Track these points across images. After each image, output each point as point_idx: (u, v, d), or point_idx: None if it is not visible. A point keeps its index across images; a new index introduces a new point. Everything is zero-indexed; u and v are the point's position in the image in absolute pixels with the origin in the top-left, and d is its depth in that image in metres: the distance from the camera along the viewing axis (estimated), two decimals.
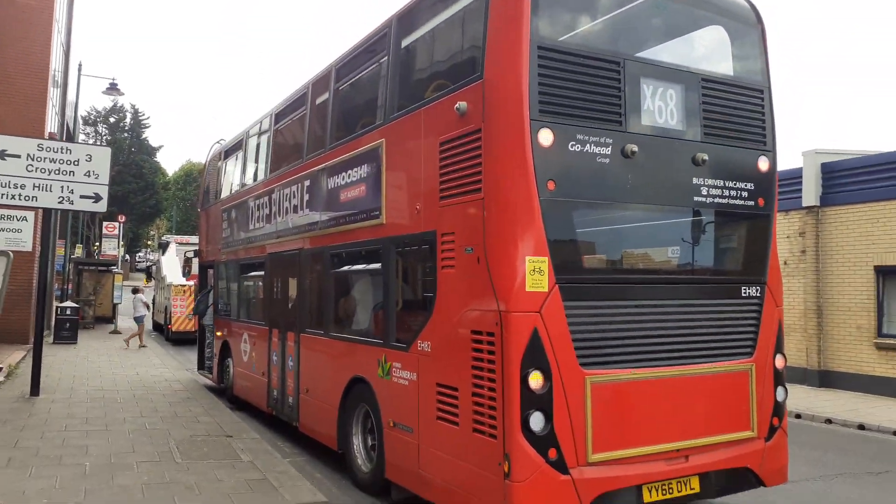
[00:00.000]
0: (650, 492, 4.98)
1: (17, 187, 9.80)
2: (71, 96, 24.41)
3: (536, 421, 4.55)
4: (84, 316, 22.70)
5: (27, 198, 9.92)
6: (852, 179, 14.20)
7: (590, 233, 5.32)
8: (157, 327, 24.16)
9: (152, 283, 29.53)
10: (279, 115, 9.33)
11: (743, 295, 5.66)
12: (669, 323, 5.25)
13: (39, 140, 10.97)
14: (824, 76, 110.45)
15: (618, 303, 5.06)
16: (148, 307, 20.06)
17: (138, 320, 19.17)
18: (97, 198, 10.35)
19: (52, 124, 19.67)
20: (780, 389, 5.77)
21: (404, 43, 6.34)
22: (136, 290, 20.61)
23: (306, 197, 7.96)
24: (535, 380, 4.56)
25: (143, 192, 60.39)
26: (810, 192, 14.62)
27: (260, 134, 10.16)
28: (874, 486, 7.50)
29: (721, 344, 5.49)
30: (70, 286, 25.53)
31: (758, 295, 5.71)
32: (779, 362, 5.79)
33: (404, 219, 5.94)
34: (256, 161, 10.40)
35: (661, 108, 5.31)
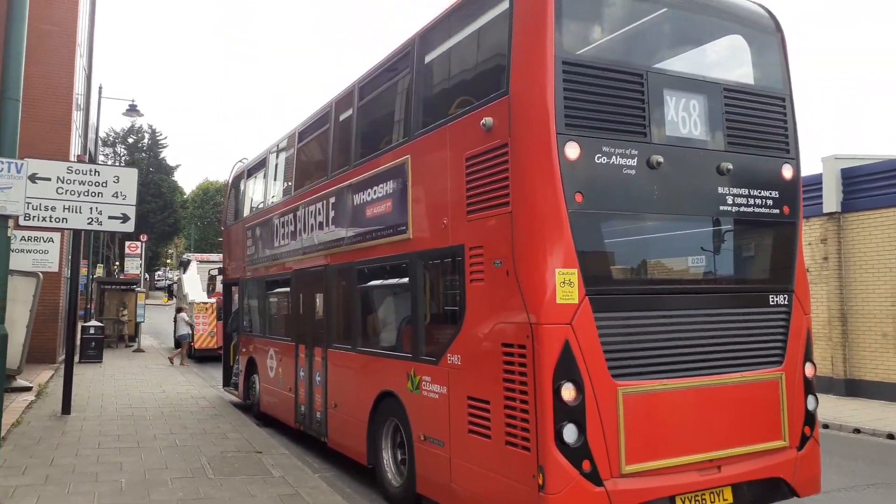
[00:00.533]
0: (683, 503, 4.97)
1: (48, 209, 10.00)
2: (92, 118, 24.88)
3: (570, 433, 4.58)
4: (121, 334, 23.08)
5: (58, 219, 10.11)
6: (873, 185, 14.10)
7: (618, 244, 5.36)
8: (179, 345, 24.35)
9: (173, 301, 29.83)
10: (302, 134, 9.48)
11: (771, 303, 5.66)
12: (698, 332, 5.26)
13: (69, 163, 11.21)
14: (830, 77, 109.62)
15: (647, 313, 5.09)
16: (192, 326, 20.25)
17: (182, 338, 19.51)
18: (125, 218, 10.53)
19: (75, 147, 20.06)
20: (810, 398, 5.74)
21: (427, 60, 6.45)
22: (179, 310, 20.89)
23: (332, 213, 8.07)
24: (568, 392, 4.59)
25: (162, 211, 61.23)
26: (831, 199, 14.53)
27: (283, 151, 10.32)
28: None
29: (750, 353, 5.48)
30: (93, 306, 25.86)
31: (785, 303, 5.71)
32: (808, 371, 5.76)
33: (431, 233, 6.02)
34: (280, 179, 10.55)
35: (684, 118, 5.35)
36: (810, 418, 5.70)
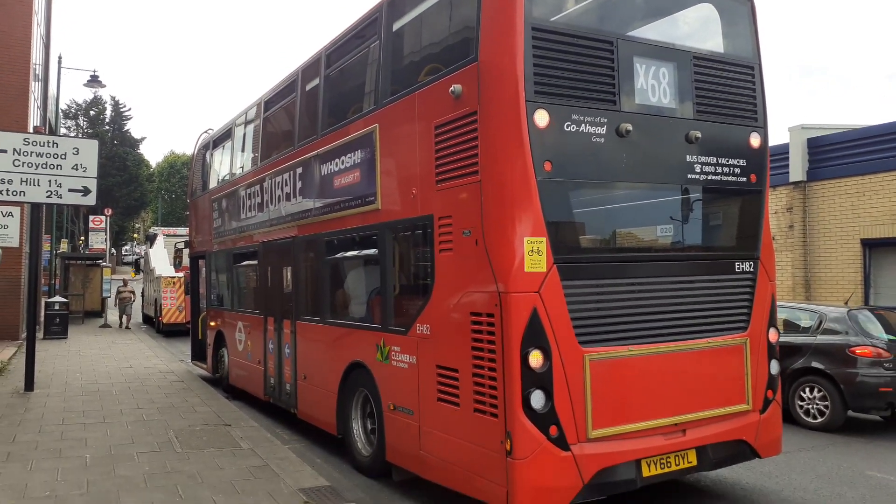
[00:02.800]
0: (649, 466, 5.07)
1: (4, 182, 9.69)
2: (52, 90, 24.09)
3: (537, 399, 4.62)
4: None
5: (15, 192, 9.81)
6: (838, 154, 14.38)
7: (586, 212, 5.36)
8: (148, 320, 24.06)
9: (140, 275, 29.38)
10: (269, 103, 9.28)
11: (736, 270, 5.74)
12: (665, 299, 5.32)
13: (25, 134, 10.85)
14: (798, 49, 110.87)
15: (615, 281, 5.12)
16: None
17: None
18: (86, 191, 10.26)
19: (34, 118, 19.43)
20: (773, 363, 5.86)
21: (396, 27, 6.32)
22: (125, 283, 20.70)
23: (299, 185, 7.95)
24: (536, 358, 4.62)
25: (128, 184, 59.88)
26: (797, 168, 14.78)
27: (249, 122, 10.10)
28: (863, 452, 7.67)
29: (716, 319, 5.57)
30: (57, 281, 25.33)
31: (751, 270, 5.79)
32: (772, 336, 5.88)
33: (400, 203, 5.96)
34: (246, 150, 10.34)
35: (653, 86, 5.34)
36: (773, 382, 5.83)
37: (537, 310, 4.66)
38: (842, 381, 8.64)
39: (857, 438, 8.36)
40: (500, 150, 4.79)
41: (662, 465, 5.14)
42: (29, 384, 10.26)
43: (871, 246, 13.73)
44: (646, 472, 5.03)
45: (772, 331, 5.87)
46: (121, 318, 22.40)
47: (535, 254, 4.69)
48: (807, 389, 8.91)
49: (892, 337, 9.02)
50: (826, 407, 8.74)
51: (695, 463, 5.33)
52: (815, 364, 8.77)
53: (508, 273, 4.66)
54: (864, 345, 8.71)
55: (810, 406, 8.84)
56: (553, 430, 4.65)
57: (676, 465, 5.22)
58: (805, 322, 9.38)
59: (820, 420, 8.75)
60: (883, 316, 9.53)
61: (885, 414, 9.14)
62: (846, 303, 11.15)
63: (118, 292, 22.71)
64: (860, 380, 8.53)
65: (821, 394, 8.80)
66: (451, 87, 5.10)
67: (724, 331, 5.57)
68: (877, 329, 9.08)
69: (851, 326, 8.95)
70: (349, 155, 6.77)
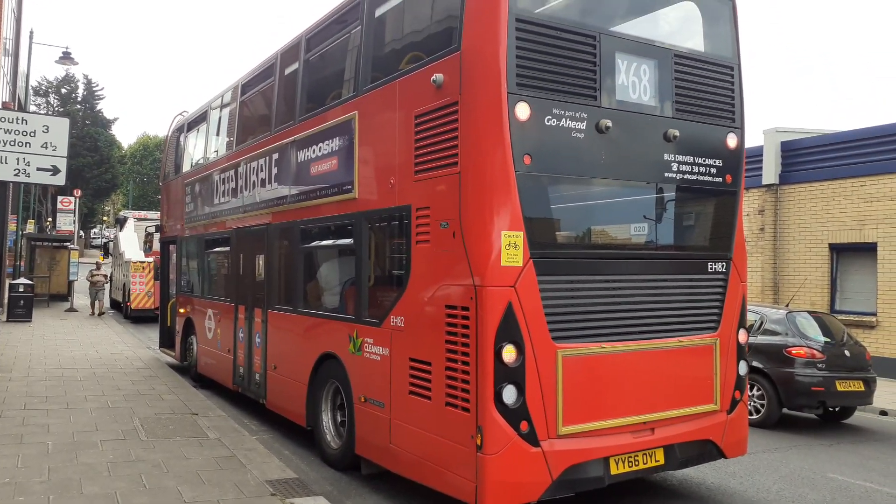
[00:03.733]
0: (617, 464, 5.09)
1: None
2: (22, 66, 23.45)
3: (509, 394, 4.59)
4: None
5: None
6: (810, 158, 14.60)
7: (564, 208, 5.34)
8: (115, 305, 23.62)
9: (109, 259, 28.81)
10: (246, 86, 9.11)
11: (709, 270, 5.77)
12: (638, 297, 5.34)
13: None
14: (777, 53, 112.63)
15: (589, 277, 5.12)
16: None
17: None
18: (55, 170, 10.02)
19: (3, 94, 18.90)
20: (742, 363, 5.92)
21: (378, 12, 6.23)
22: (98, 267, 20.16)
23: (275, 171, 7.82)
24: (509, 353, 4.60)
25: (99, 165, 58.58)
26: (770, 170, 14.97)
27: (225, 106, 9.92)
28: (825, 455, 7.80)
29: (687, 318, 5.60)
30: (22, 263, 24.73)
31: (723, 270, 5.83)
32: (742, 337, 5.94)
33: (377, 193, 5.88)
34: (222, 133, 10.16)
35: (634, 83, 5.33)
36: (740, 383, 5.89)
37: (512, 304, 4.64)
38: (778, 380, 9.01)
39: (819, 441, 8.51)
40: (480, 142, 4.74)
41: (630, 464, 5.16)
42: None
43: (839, 250, 13.98)
44: (614, 470, 5.05)
45: (741, 332, 5.93)
46: (92, 304, 20.89)
47: (512, 248, 4.66)
48: None
49: (828, 339, 9.35)
50: (763, 405, 9.04)
51: (662, 462, 5.36)
52: (754, 363, 8.99)
53: (485, 266, 4.63)
54: (800, 346, 9.05)
55: (748, 403, 9.07)
56: (524, 425, 4.64)
57: (644, 464, 5.25)
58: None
59: (756, 417, 9.05)
60: (822, 319, 9.96)
61: (818, 412, 9.54)
62: (787, 305, 11.47)
63: (91, 275, 21.18)
64: (795, 379, 8.87)
65: (759, 392, 9.10)
66: (433, 77, 5.04)
67: (695, 330, 5.61)
68: (814, 331, 9.49)
69: (790, 328, 9.35)
70: (327, 142, 6.67)
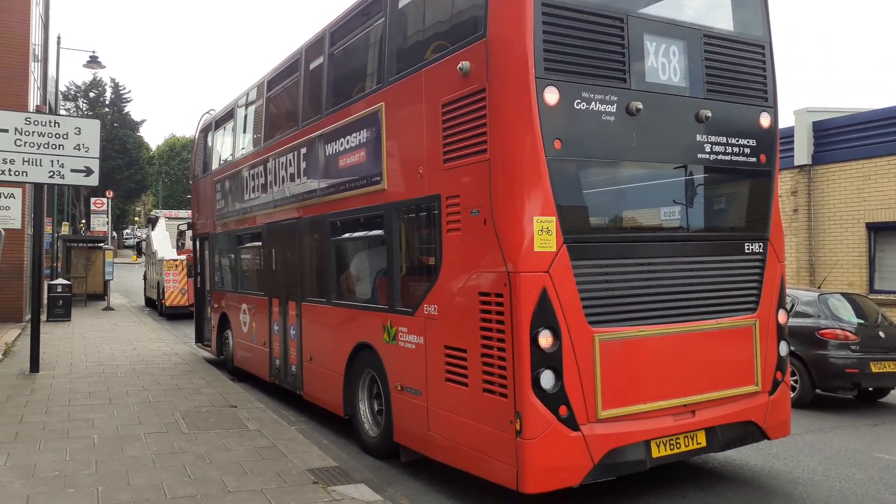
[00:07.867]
0: (658, 447, 5.06)
1: (6, 162, 9.61)
2: (51, 71, 23.91)
3: (547, 379, 4.59)
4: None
5: (17, 173, 9.74)
6: (843, 137, 14.27)
7: (596, 192, 5.30)
8: (150, 303, 24.06)
9: (142, 259, 29.32)
10: (271, 83, 9.19)
11: (746, 251, 5.70)
12: (675, 280, 5.29)
13: (27, 113, 10.74)
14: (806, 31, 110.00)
15: (624, 261, 5.09)
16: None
17: None
18: (88, 171, 10.19)
19: (34, 99, 19.30)
20: (782, 344, 5.84)
21: (401, 4, 6.23)
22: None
23: (303, 165, 7.88)
24: (545, 339, 4.59)
25: (128, 167, 59.61)
26: (802, 151, 14.68)
27: (251, 103, 10.01)
28: (871, 435, 7.67)
29: (725, 300, 5.54)
30: (59, 264, 25.30)
31: (760, 251, 5.75)
32: (781, 317, 5.85)
33: (406, 183, 5.90)
34: (249, 130, 10.26)
35: (664, 64, 5.27)
36: (782, 363, 5.81)
37: (547, 290, 4.63)
38: (811, 362, 8.89)
39: (863, 422, 8.37)
40: (509, 128, 4.73)
41: (672, 447, 5.13)
42: (34, 365, 10.26)
43: (876, 229, 13.66)
44: (655, 453, 5.03)
45: (781, 312, 5.84)
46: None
47: (544, 233, 4.65)
48: None
49: (861, 321, 9.17)
50: (795, 387, 8.94)
51: (704, 444, 5.32)
52: None
53: (518, 253, 4.62)
54: (833, 328, 8.93)
55: None
56: (563, 410, 4.63)
57: (686, 447, 5.21)
58: None
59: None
60: (855, 300, 9.80)
61: (853, 393, 9.42)
62: (818, 286, 11.27)
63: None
64: (828, 361, 8.77)
65: (792, 375, 8.93)
66: (459, 65, 5.03)
67: (734, 312, 5.54)
68: (847, 313, 9.34)
69: (822, 310, 9.22)
70: (354, 134, 6.70)
